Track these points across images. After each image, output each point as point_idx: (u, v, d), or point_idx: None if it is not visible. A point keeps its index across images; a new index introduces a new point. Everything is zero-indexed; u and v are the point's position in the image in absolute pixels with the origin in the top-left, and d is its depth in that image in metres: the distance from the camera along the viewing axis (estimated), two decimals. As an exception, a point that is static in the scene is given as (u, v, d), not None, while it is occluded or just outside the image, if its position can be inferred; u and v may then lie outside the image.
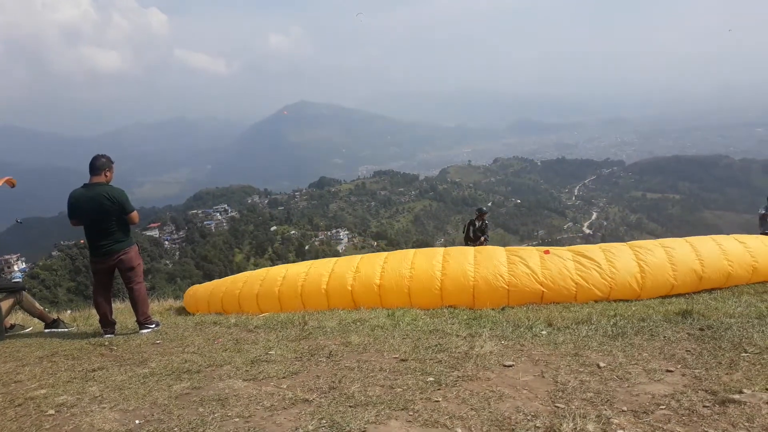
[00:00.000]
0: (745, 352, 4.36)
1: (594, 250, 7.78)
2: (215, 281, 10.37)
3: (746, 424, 3.12)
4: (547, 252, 7.75)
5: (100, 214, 6.37)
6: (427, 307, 7.31)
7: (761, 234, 11.88)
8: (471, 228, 13.81)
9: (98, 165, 6.51)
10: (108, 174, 6.58)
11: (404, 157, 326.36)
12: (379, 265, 8.09)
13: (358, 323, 6.25)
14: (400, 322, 6.17)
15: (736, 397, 3.47)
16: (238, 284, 9.18)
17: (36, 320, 7.62)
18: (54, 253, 77.55)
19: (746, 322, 5.24)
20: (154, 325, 6.71)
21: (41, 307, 7.46)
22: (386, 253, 8.81)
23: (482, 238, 13.63)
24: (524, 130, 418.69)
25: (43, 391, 4.33)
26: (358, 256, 8.86)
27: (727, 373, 3.92)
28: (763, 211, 12.39)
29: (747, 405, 3.34)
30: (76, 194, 6.46)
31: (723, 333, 4.91)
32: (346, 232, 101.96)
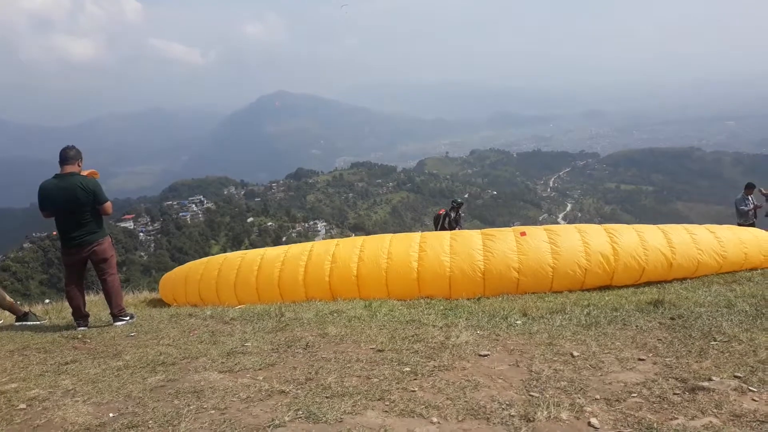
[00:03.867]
0: (715, 340, 4.46)
1: (570, 231, 7.85)
2: (188, 264, 10.29)
3: (715, 410, 3.20)
4: (523, 234, 7.77)
5: (73, 205, 6.24)
6: (404, 297, 7.33)
7: (738, 224, 12.23)
8: (447, 219, 13.84)
9: (71, 155, 6.38)
10: (80, 164, 6.46)
11: (382, 149, 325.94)
12: (356, 255, 8.06)
13: (335, 314, 6.25)
14: (377, 313, 6.18)
15: (706, 384, 3.55)
16: (213, 273, 9.11)
17: (7, 313, 7.48)
18: (26, 245, 76.14)
19: (715, 311, 5.36)
20: (128, 318, 6.63)
21: (11, 300, 7.31)
22: (362, 238, 8.76)
23: (456, 229, 13.69)
24: (501, 123, 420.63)
25: (14, 385, 4.26)
26: (334, 241, 8.78)
27: (696, 361, 4.01)
28: (752, 206, 12.76)
29: (716, 392, 3.43)
30: (48, 185, 6.32)
31: (693, 322, 5.02)
32: (324, 223, 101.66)
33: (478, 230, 8.20)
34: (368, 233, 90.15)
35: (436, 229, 13.98)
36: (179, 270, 10.18)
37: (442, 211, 14.22)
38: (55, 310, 8.51)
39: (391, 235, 8.62)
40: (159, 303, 9.69)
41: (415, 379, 3.91)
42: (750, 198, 13.05)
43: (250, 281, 8.54)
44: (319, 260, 8.19)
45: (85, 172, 6.61)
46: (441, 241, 7.93)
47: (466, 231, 8.63)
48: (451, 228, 13.66)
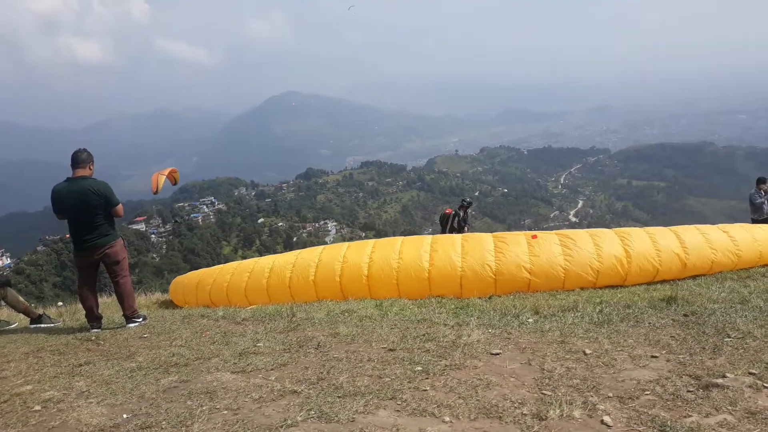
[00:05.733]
0: (728, 337, 4.42)
1: (581, 234, 7.82)
2: (201, 270, 10.31)
3: (729, 407, 3.17)
4: (534, 236, 7.75)
5: (84, 208, 6.28)
6: (415, 296, 7.32)
7: (752, 221, 12.14)
8: (456, 219, 13.79)
9: (83, 158, 6.42)
10: (92, 167, 6.50)
11: (391, 147, 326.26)
12: (367, 255, 8.08)
13: (346, 314, 6.26)
14: (388, 313, 6.18)
15: (720, 381, 3.52)
16: (226, 276, 9.14)
17: (21, 316, 7.55)
18: (39, 248, 76.74)
19: (729, 308, 5.31)
20: (141, 319, 6.67)
21: (26, 303, 7.38)
22: (374, 241, 8.79)
23: (465, 228, 13.66)
24: (511, 119, 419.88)
25: (29, 387, 4.30)
26: (345, 245, 8.83)
27: (710, 358, 3.98)
28: (762, 199, 12.67)
29: (730, 389, 3.40)
30: (60, 188, 6.35)
31: (707, 318, 4.97)
32: (334, 223, 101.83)
33: (489, 233, 8.21)
34: (379, 232, 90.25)
35: (443, 229, 13.93)
36: (192, 275, 10.22)
37: (450, 211, 14.15)
38: (68, 312, 8.58)
39: (402, 237, 8.65)
40: (171, 304, 9.74)
41: (427, 378, 3.91)
42: (762, 192, 12.94)
43: (261, 284, 8.56)
44: (330, 261, 8.22)
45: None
46: (452, 241, 7.96)
47: (477, 233, 8.62)
48: (460, 228, 13.62)
